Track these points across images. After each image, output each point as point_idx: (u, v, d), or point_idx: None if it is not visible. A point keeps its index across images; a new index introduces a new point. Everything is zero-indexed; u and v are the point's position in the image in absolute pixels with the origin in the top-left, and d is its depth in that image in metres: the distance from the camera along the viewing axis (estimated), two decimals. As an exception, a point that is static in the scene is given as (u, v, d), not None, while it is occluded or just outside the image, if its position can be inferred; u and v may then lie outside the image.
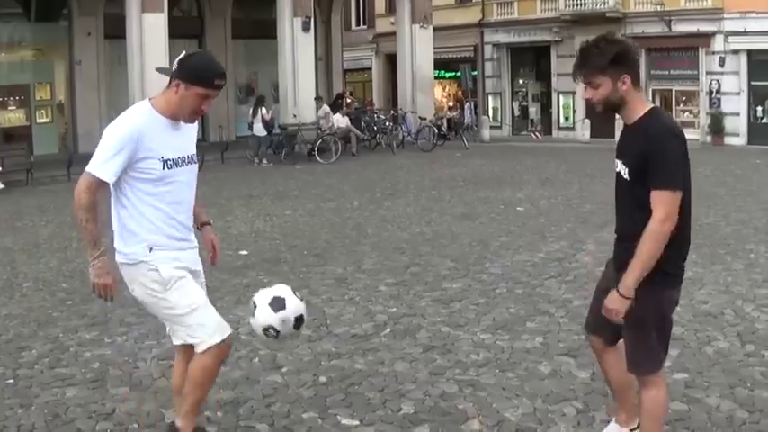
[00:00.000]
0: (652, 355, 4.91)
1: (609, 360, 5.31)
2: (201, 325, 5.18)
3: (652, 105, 4.89)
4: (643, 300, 4.69)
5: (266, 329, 5.25)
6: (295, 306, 5.26)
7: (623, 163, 4.86)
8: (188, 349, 5.33)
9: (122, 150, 4.90)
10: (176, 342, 5.37)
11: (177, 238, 5.19)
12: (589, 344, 5.57)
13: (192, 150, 5.29)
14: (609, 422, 5.75)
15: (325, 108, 31.13)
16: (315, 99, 32.85)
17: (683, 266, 4.90)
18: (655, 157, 4.60)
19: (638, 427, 5.34)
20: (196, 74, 4.97)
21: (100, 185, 4.93)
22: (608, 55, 4.71)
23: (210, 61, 5.20)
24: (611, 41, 4.82)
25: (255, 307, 5.27)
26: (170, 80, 5.05)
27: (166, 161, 5.05)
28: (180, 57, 5.05)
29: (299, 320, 5.28)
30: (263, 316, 5.23)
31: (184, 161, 5.17)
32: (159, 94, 5.13)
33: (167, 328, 5.44)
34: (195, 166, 5.31)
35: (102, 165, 4.90)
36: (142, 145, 4.94)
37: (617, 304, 4.69)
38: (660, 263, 4.66)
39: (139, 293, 5.17)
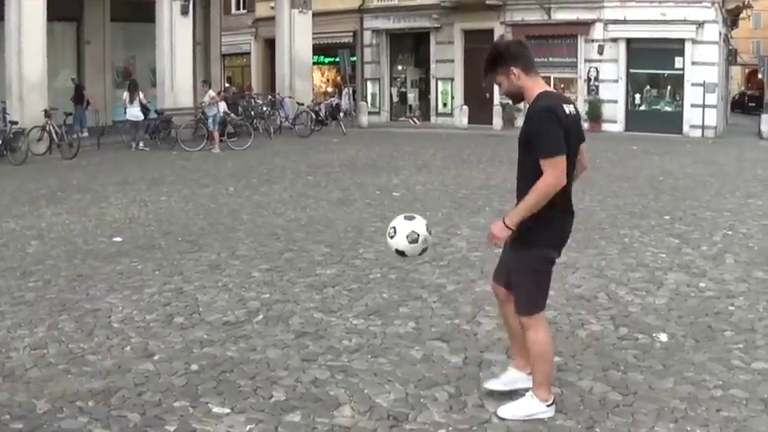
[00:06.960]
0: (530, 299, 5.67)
1: (511, 309, 5.89)
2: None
3: (541, 90, 5.53)
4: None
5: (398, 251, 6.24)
6: (423, 239, 6.26)
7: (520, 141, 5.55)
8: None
9: None
10: None
11: None
12: (494, 293, 6.19)
13: None
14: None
15: (211, 93, 30.65)
16: (202, 82, 32.60)
17: (561, 235, 5.69)
18: (533, 134, 5.36)
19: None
20: None
21: None
22: (492, 56, 5.57)
23: None
24: (492, 45, 5.72)
25: (395, 233, 6.17)
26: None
27: None
28: None
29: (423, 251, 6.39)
30: (398, 242, 6.18)
31: None
32: None
33: None
34: None
35: None
36: None
37: (500, 232, 5.45)
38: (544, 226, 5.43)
39: None
